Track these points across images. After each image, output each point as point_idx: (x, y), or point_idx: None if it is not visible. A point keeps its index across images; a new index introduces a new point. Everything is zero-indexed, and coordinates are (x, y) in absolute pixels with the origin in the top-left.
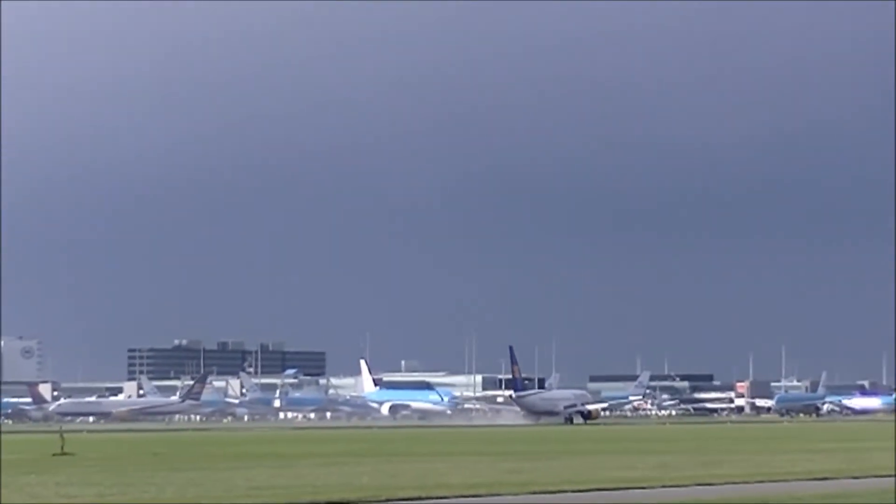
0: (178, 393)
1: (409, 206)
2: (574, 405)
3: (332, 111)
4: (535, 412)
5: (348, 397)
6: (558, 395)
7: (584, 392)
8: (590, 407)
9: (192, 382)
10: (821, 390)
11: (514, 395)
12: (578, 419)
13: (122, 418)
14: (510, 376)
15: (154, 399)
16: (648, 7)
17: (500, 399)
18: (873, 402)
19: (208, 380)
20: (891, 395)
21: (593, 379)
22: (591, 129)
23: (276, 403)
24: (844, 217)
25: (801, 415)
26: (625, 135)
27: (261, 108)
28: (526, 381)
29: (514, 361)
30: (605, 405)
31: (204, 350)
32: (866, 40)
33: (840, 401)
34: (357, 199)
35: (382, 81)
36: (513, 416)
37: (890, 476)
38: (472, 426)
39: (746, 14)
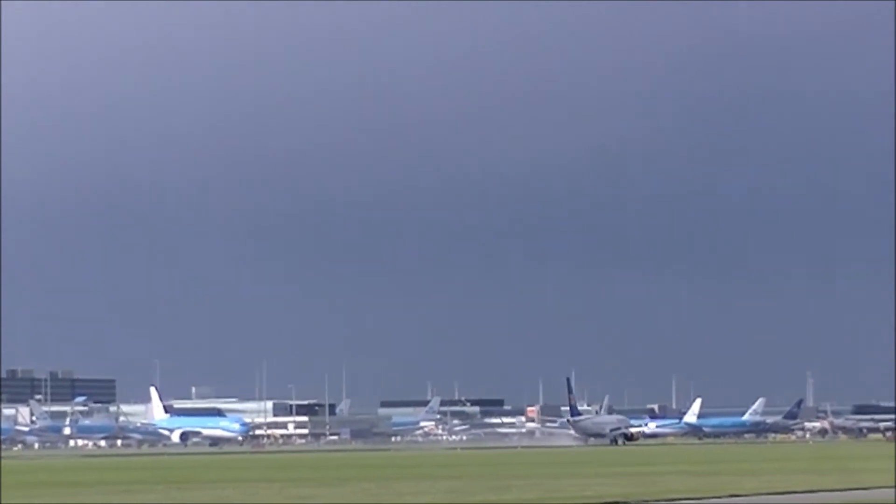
0: None
1: (198, 230)
2: (619, 428)
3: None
4: (587, 434)
5: (139, 424)
6: (605, 419)
7: (624, 417)
8: (632, 430)
9: None
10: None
11: (570, 420)
12: (622, 440)
13: None
14: (302, 402)
15: None
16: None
17: (290, 425)
18: (662, 426)
19: None
20: (679, 419)
21: (385, 404)
22: (383, 159)
23: (67, 431)
24: (633, 240)
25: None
26: (415, 163)
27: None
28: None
29: (570, 391)
30: (646, 429)
31: None
32: (662, 47)
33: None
34: (141, 226)
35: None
36: (568, 439)
37: (685, 499)
38: (265, 452)
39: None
